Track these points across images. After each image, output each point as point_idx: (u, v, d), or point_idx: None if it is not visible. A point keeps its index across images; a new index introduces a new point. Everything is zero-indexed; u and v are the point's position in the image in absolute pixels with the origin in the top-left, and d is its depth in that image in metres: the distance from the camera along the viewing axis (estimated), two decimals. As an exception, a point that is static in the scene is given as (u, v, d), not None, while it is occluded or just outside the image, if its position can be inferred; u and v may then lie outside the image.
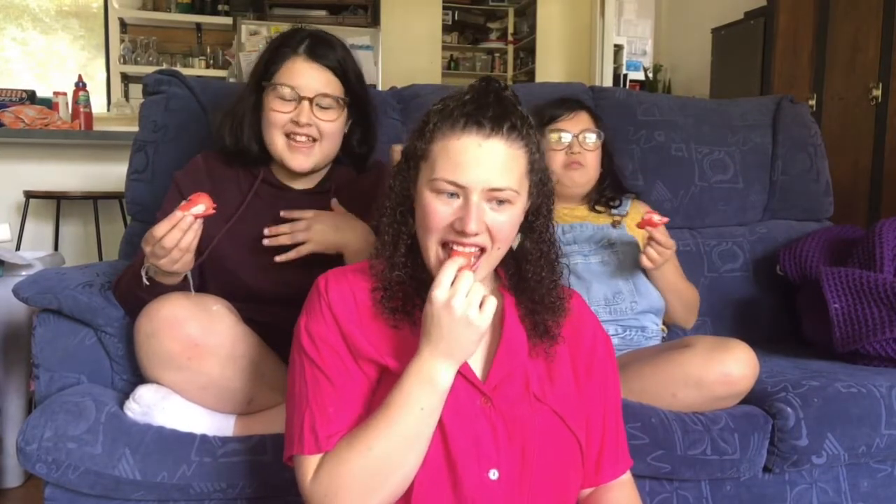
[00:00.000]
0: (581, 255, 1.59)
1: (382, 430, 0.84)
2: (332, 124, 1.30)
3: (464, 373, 0.90)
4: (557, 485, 0.93)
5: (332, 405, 0.89)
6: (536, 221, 0.96)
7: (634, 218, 1.69)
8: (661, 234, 1.44)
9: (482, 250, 0.90)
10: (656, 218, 1.43)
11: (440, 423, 0.87)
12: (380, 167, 1.45)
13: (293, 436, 0.90)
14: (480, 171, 0.86)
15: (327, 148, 1.32)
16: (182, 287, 1.21)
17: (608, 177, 1.70)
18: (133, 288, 1.21)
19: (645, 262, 1.47)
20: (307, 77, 1.27)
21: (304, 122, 1.27)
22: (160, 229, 1.07)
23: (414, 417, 0.84)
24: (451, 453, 0.87)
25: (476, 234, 0.87)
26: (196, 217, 1.08)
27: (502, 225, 0.89)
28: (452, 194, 0.88)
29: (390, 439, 0.83)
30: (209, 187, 1.31)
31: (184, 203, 1.08)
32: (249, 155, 1.34)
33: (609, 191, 1.70)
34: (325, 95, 1.28)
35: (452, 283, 0.84)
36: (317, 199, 1.36)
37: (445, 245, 0.90)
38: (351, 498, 0.84)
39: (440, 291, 0.84)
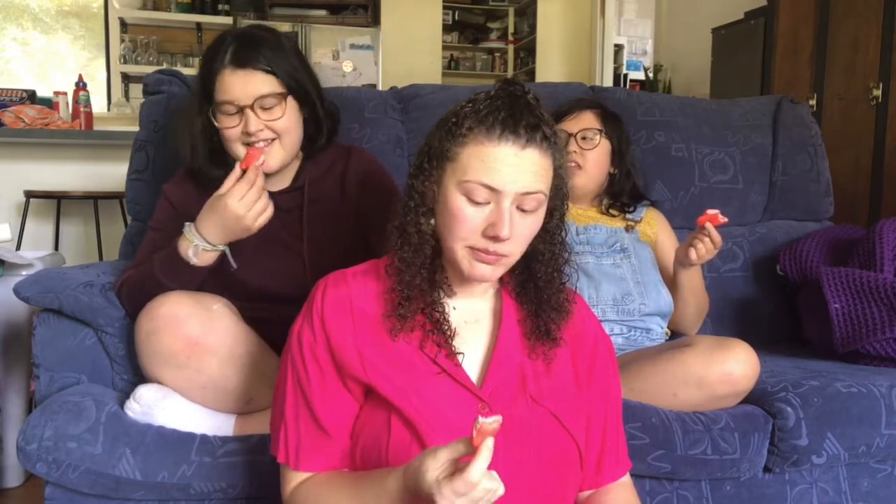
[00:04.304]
0: (593, 255, 1.60)
1: None
2: (281, 121, 1.28)
3: (460, 379, 0.90)
4: (555, 487, 0.93)
5: (308, 433, 0.91)
6: (550, 223, 0.96)
7: (649, 224, 1.70)
8: (716, 232, 1.44)
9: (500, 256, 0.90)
10: (721, 216, 1.42)
11: (427, 436, 0.86)
12: (348, 151, 1.44)
13: (273, 438, 0.94)
14: (516, 178, 0.86)
15: (288, 143, 1.31)
16: (221, 266, 1.23)
17: (621, 178, 1.68)
18: (157, 274, 1.21)
19: (692, 255, 1.45)
20: (239, 87, 1.26)
21: (254, 129, 1.26)
22: (239, 189, 1.15)
23: None
24: None
25: (507, 240, 0.87)
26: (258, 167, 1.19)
27: (528, 231, 0.91)
28: (482, 202, 0.87)
29: None
30: (197, 196, 1.32)
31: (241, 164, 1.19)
32: (208, 177, 1.32)
33: (626, 196, 1.69)
34: (264, 96, 1.26)
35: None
36: (292, 196, 1.38)
37: (474, 250, 0.89)
38: None
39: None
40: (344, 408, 0.92)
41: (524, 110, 0.87)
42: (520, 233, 0.89)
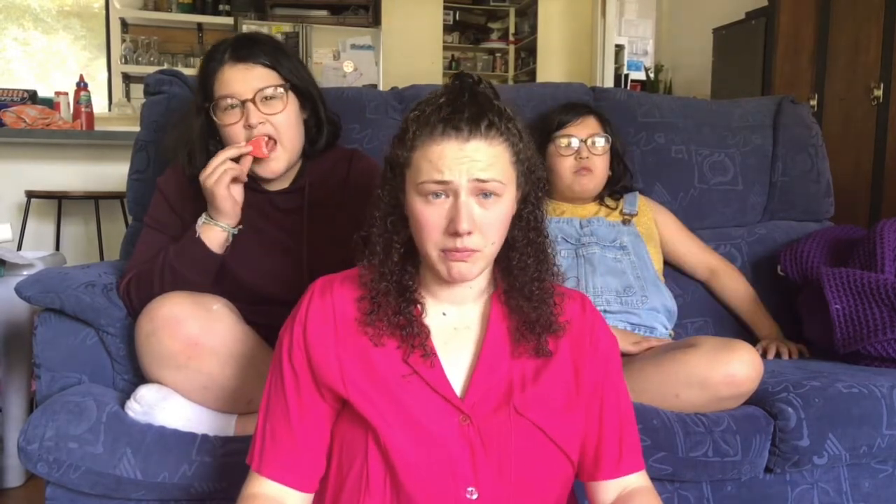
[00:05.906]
0: (599, 245, 1.64)
1: None
2: (282, 115, 1.28)
3: (442, 392, 0.90)
4: (541, 498, 0.92)
5: (274, 436, 0.92)
6: (525, 209, 0.95)
7: (645, 213, 1.74)
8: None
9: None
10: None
11: (401, 467, 0.86)
12: (350, 155, 1.44)
13: (251, 444, 0.95)
14: (462, 169, 0.86)
15: (289, 142, 1.30)
16: (221, 268, 1.27)
17: (618, 177, 1.75)
18: (172, 260, 1.23)
19: (771, 353, 1.65)
20: (240, 80, 1.26)
21: (255, 122, 1.25)
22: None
23: None
24: (420, 478, 0.86)
25: (469, 233, 0.87)
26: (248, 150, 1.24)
27: (493, 221, 0.89)
28: (439, 194, 0.87)
29: None
30: (192, 193, 1.32)
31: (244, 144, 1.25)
32: None
33: (618, 192, 1.77)
34: (264, 89, 1.26)
35: None
36: (292, 197, 1.37)
37: (446, 252, 0.88)
38: None
39: None
40: (316, 413, 0.92)
41: (468, 103, 0.88)
42: (483, 223, 0.88)
